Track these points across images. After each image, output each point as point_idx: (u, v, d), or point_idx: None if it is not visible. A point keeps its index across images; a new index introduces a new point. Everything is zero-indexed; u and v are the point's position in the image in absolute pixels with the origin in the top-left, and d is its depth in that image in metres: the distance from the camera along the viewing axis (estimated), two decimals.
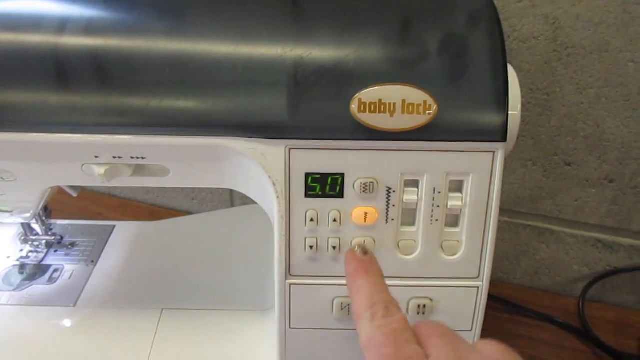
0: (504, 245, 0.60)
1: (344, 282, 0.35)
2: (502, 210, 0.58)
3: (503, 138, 0.32)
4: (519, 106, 0.33)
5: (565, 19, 0.46)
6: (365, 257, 0.31)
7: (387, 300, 0.29)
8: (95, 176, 0.34)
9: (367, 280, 0.30)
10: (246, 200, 0.70)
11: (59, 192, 0.47)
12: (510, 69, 0.33)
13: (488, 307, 0.57)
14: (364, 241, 0.34)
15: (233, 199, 0.70)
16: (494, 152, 0.32)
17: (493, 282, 0.62)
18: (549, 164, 0.54)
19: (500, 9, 0.47)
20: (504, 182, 0.56)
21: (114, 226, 0.55)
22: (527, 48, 0.48)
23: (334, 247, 0.34)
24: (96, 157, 0.34)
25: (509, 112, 0.32)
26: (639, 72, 0.47)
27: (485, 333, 0.53)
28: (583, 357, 0.53)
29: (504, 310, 0.57)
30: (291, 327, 0.36)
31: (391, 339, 0.26)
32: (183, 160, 0.34)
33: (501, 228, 0.59)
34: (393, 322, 0.27)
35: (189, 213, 0.72)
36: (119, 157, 0.34)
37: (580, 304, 0.57)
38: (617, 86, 0.48)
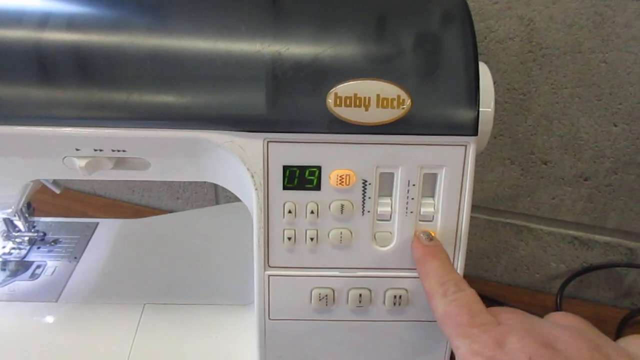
0: (484, 243, 0.61)
1: (322, 273, 0.36)
2: (482, 208, 0.59)
3: (474, 132, 0.33)
4: (492, 103, 0.34)
5: (539, 20, 0.47)
6: (431, 243, 0.34)
7: (457, 278, 0.31)
8: (76, 169, 0.35)
9: (435, 263, 0.32)
10: (231, 200, 0.70)
11: (42, 191, 0.47)
12: (483, 67, 0.34)
13: None
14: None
15: (218, 198, 0.71)
16: (466, 145, 0.33)
17: (474, 280, 0.64)
18: (526, 162, 0.55)
19: (476, 10, 0.48)
20: (483, 181, 0.57)
21: (98, 223, 0.55)
22: (503, 49, 0.49)
23: (312, 239, 0.35)
24: (77, 150, 0.34)
25: (481, 109, 0.33)
26: (610, 73, 0.48)
27: None
28: None
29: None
30: (270, 318, 0.37)
31: (465, 309, 0.29)
32: (163, 154, 0.35)
33: (481, 226, 0.60)
34: (465, 296, 0.30)
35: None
36: (100, 150, 0.34)
37: (558, 300, 0.58)
38: (590, 86, 0.49)
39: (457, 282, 0.31)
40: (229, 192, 0.69)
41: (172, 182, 0.72)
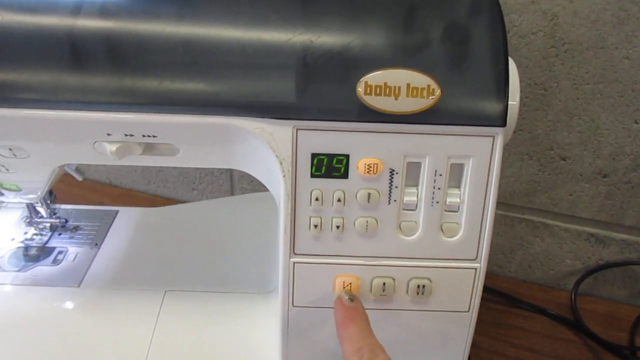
0: (499, 239, 0.62)
1: (346, 261, 0.36)
2: (498, 204, 0.59)
3: (503, 123, 0.33)
4: (518, 97, 0.34)
5: (563, 15, 0.47)
6: (352, 305, 0.34)
7: (373, 344, 0.31)
8: (106, 154, 0.35)
9: (354, 328, 0.33)
10: (246, 192, 0.71)
11: (62, 180, 0.47)
12: (510, 61, 0.35)
13: (484, 299, 0.58)
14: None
15: (233, 189, 0.71)
16: (493, 136, 0.33)
17: (488, 275, 0.64)
18: (544, 158, 0.55)
19: (500, 3, 0.48)
20: (500, 176, 0.57)
21: (117, 211, 0.56)
22: (525, 43, 0.49)
23: (338, 227, 0.35)
24: (108, 134, 0.35)
25: (509, 102, 0.33)
26: (633, 69, 0.48)
27: (481, 324, 0.55)
28: (575, 347, 0.54)
29: (499, 302, 0.59)
30: (294, 305, 0.37)
31: None
32: (193, 140, 0.35)
33: (496, 221, 0.60)
34: None
35: None
36: (131, 135, 0.35)
37: (573, 296, 0.59)
38: (612, 82, 0.49)
39: (373, 348, 0.31)
40: (245, 183, 0.70)
41: (188, 173, 0.72)
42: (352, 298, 0.35)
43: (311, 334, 0.39)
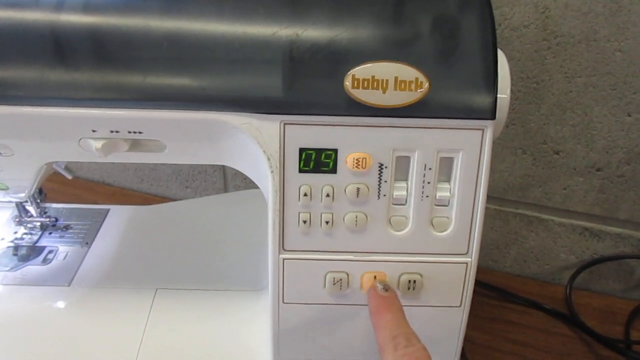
0: (493, 234, 0.61)
1: (336, 257, 0.36)
2: (492, 198, 0.59)
3: (492, 116, 0.33)
4: (509, 90, 0.34)
5: (554, 7, 0.47)
6: (387, 294, 0.34)
7: (408, 332, 0.32)
8: (92, 151, 0.35)
9: (389, 316, 0.33)
10: (240, 189, 0.70)
11: (51, 179, 0.47)
12: (500, 53, 0.34)
13: (479, 294, 0.58)
14: (356, 219, 0.35)
15: (227, 186, 0.71)
16: (483, 129, 0.33)
17: (483, 270, 0.64)
18: (538, 152, 0.55)
19: None
20: (493, 171, 0.57)
21: (109, 210, 0.55)
22: (517, 36, 0.49)
23: (327, 222, 0.35)
24: (94, 131, 0.34)
25: (498, 95, 0.33)
26: (625, 61, 0.48)
27: (476, 319, 0.55)
28: (570, 342, 0.54)
29: (494, 297, 0.58)
30: (284, 301, 0.37)
31: None
32: (179, 136, 0.35)
33: (491, 216, 0.60)
34: (415, 351, 0.30)
35: None
36: (117, 132, 0.34)
37: (568, 291, 0.58)
38: (604, 75, 0.49)
39: (408, 337, 0.31)
40: (238, 181, 0.70)
41: (181, 171, 0.72)
42: (387, 288, 0.35)
43: (302, 331, 0.38)
